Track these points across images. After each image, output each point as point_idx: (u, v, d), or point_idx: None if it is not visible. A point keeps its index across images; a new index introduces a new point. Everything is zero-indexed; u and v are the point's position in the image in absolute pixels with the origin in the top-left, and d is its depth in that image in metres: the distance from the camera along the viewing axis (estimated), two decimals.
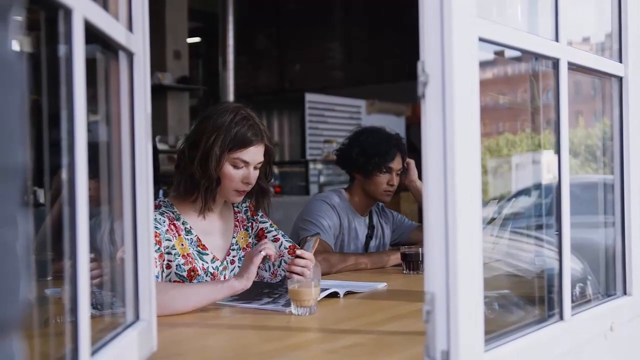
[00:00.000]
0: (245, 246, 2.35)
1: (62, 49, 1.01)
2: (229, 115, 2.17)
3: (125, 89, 1.35)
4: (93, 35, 1.11)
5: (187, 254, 2.17)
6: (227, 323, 1.80)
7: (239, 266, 2.29)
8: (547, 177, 1.99)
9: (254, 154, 2.20)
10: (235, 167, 2.18)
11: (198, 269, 2.17)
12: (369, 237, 3.11)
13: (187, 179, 2.19)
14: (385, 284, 2.36)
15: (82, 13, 1.01)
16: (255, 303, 1.97)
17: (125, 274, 1.37)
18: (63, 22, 0.99)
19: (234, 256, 2.32)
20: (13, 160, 0.54)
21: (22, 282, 0.56)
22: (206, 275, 2.20)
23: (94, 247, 1.16)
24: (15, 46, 0.56)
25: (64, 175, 1.01)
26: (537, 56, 1.56)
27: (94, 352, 1.09)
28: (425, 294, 1.18)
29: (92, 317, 1.07)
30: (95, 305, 1.34)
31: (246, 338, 1.67)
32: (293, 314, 1.85)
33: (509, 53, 1.55)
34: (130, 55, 1.35)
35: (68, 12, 0.99)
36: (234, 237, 2.34)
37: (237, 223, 2.37)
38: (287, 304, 1.90)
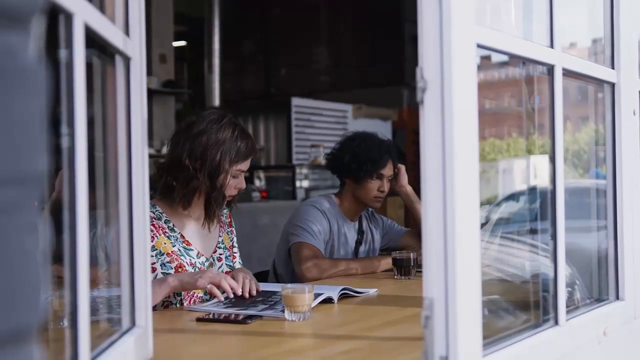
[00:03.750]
0: (229, 247, 2.45)
1: (62, 53, 1.00)
2: (228, 130, 2.27)
3: (121, 94, 1.34)
4: (90, 39, 1.11)
5: (172, 252, 2.23)
6: (222, 329, 1.80)
7: (226, 264, 2.40)
8: (535, 182, 2.00)
9: (250, 162, 2.35)
10: (234, 177, 2.30)
11: (185, 264, 2.24)
12: (358, 243, 3.11)
13: (192, 191, 2.25)
14: (376, 289, 2.36)
15: (82, 17, 1.01)
16: (251, 309, 1.96)
17: (122, 281, 1.36)
18: (64, 26, 0.98)
19: (220, 254, 2.40)
20: (35, 167, 0.54)
21: (42, 290, 0.56)
22: (194, 270, 2.26)
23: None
24: (36, 52, 0.56)
25: (64, 180, 1.00)
26: (533, 62, 1.57)
27: (92, 359, 1.08)
28: (424, 300, 1.18)
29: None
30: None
31: (242, 344, 1.66)
32: (287, 320, 1.85)
33: (495, 58, 1.56)
34: (127, 60, 1.34)
35: (69, 17, 0.98)
36: (220, 236, 2.43)
37: (221, 224, 2.46)
38: (284, 310, 1.90)
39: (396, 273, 2.65)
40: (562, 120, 1.53)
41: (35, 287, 0.55)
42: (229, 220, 2.52)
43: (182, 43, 10.15)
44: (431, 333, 1.17)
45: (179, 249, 2.25)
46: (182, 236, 2.29)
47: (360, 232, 3.13)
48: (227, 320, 1.87)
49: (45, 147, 0.57)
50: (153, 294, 2.02)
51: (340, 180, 3.11)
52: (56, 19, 0.99)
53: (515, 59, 1.60)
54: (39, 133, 0.55)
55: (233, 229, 2.52)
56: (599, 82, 1.83)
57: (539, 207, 1.84)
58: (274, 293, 2.17)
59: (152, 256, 2.16)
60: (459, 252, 1.16)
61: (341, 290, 2.19)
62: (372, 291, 2.34)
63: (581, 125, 2.20)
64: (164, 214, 2.28)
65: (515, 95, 1.91)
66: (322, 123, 8.32)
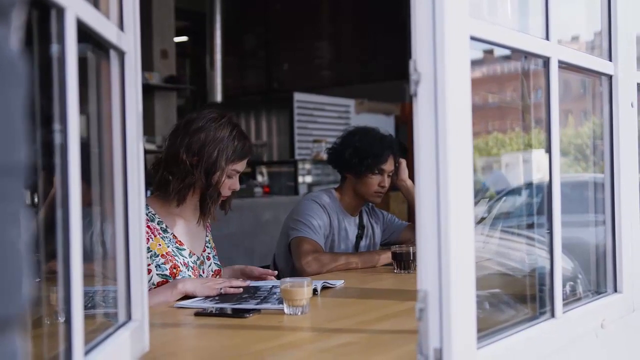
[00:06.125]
0: (213, 247, 2.50)
1: (54, 48, 1.01)
2: (226, 129, 2.30)
3: (116, 89, 1.35)
4: (84, 34, 1.11)
5: (167, 253, 2.26)
6: (219, 323, 1.80)
7: (214, 262, 2.44)
8: (537, 176, 2.00)
9: (245, 164, 2.37)
10: (229, 177, 2.32)
11: (179, 264, 2.26)
12: (359, 237, 3.11)
13: (187, 187, 2.27)
14: (342, 281, 2.39)
15: (74, 12, 1.01)
16: (244, 304, 1.96)
17: (118, 275, 1.36)
18: (55, 21, 0.98)
19: (208, 253, 2.44)
20: (17, 158, 0.54)
21: (25, 280, 0.56)
22: (187, 270, 2.29)
23: (84, 248, 1.16)
24: (17, 44, 0.56)
25: (57, 176, 1.00)
26: (528, 55, 1.56)
27: (87, 352, 1.09)
28: (418, 292, 1.18)
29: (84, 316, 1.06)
30: (86, 305, 1.34)
31: (238, 338, 1.67)
32: (285, 314, 1.85)
33: (498, 52, 1.55)
34: (121, 55, 1.34)
35: (60, 11, 0.98)
36: (207, 236, 2.47)
37: (208, 224, 2.49)
38: (281, 302, 1.90)
39: (395, 267, 2.66)
40: (557, 113, 1.53)
41: (17, 277, 0.55)
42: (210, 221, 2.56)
43: (184, 39, 10.15)
44: (425, 325, 1.17)
45: (172, 250, 2.27)
46: (175, 236, 2.31)
47: (361, 226, 3.13)
48: (224, 314, 1.87)
49: (27, 139, 0.57)
50: (164, 297, 2.05)
51: (341, 175, 3.11)
52: (48, 13, 0.99)
53: (517, 53, 1.59)
54: (21, 125, 0.56)
55: (209, 231, 2.56)
56: (597, 75, 1.82)
57: (539, 201, 1.84)
58: (258, 289, 2.18)
59: (147, 257, 2.18)
60: (453, 245, 1.16)
61: (322, 283, 2.23)
62: (340, 283, 2.37)
63: (583, 119, 2.19)
64: (156, 215, 2.30)
65: (518, 89, 1.91)
66: (324, 118, 8.32)
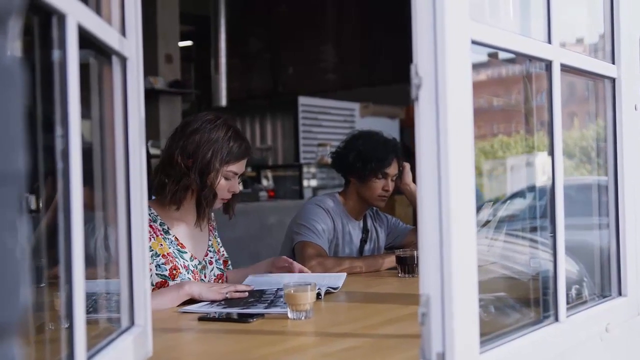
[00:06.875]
0: (217, 250, 2.48)
1: (55, 54, 1.01)
2: (222, 130, 2.29)
3: (118, 94, 1.35)
4: (86, 40, 1.11)
5: (167, 254, 2.26)
6: (223, 328, 1.80)
7: (217, 267, 2.43)
8: (542, 179, 2.00)
9: (243, 165, 2.35)
10: (226, 178, 2.31)
11: (179, 266, 2.27)
12: (363, 241, 3.11)
13: (183, 189, 2.27)
14: (344, 274, 2.40)
15: (75, 18, 1.01)
16: (252, 309, 1.96)
17: (121, 280, 1.36)
18: (57, 27, 0.99)
19: (211, 257, 2.43)
20: (14, 166, 0.55)
21: (22, 287, 0.57)
22: (187, 273, 2.29)
23: (88, 254, 1.16)
24: (14, 52, 0.56)
25: (59, 181, 1.01)
26: (530, 58, 1.56)
27: (89, 358, 1.09)
28: (421, 296, 1.18)
29: (87, 322, 1.06)
30: (88, 309, 1.34)
31: (242, 343, 1.67)
32: (289, 318, 1.85)
33: (502, 55, 1.55)
34: (123, 60, 1.34)
35: (62, 18, 0.99)
36: (209, 240, 2.46)
37: (210, 228, 2.49)
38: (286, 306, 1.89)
39: (400, 271, 2.65)
40: (560, 116, 1.53)
41: (15, 284, 0.55)
42: (214, 224, 2.56)
43: (189, 43, 10.17)
44: (428, 329, 1.17)
45: (173, 251, 2.28)
46: (177, 238, 2.31)
47: (365, 230, 3.13)
48: (228, 319, 1.87)
49: (27, 146, 0.58)
50: (169, 299, 2.05)
51: (345, 179, 3.11)
52: (49, 19, 1.00)
53: (519, 56, 1.59)
54: (19, 132, 0.56)
55: (216, 233, 2.55)
56: (600, 78, 1.82)
57: (544, 204, 1.84)
58: (264, 293, 2.18)
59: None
60: (455, 248, 1.16)
61: (326, 288, 2.22)
62: (342, 276, 2.39)
63: (588, 122, 2.19)
64: (158, 217, 2.30)
65: (522, 92, 1.91)
66: (329, 122, 8.33)
